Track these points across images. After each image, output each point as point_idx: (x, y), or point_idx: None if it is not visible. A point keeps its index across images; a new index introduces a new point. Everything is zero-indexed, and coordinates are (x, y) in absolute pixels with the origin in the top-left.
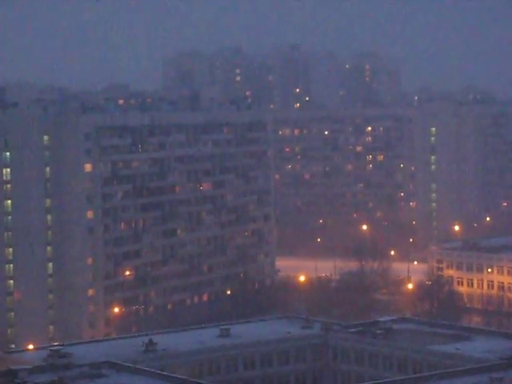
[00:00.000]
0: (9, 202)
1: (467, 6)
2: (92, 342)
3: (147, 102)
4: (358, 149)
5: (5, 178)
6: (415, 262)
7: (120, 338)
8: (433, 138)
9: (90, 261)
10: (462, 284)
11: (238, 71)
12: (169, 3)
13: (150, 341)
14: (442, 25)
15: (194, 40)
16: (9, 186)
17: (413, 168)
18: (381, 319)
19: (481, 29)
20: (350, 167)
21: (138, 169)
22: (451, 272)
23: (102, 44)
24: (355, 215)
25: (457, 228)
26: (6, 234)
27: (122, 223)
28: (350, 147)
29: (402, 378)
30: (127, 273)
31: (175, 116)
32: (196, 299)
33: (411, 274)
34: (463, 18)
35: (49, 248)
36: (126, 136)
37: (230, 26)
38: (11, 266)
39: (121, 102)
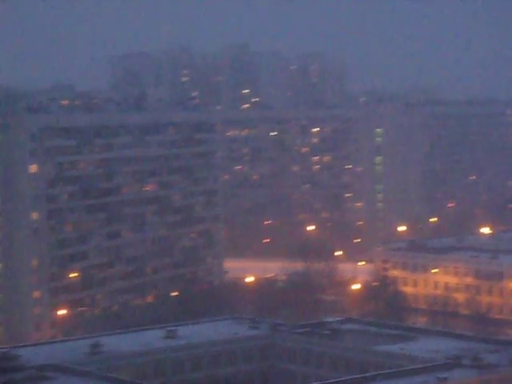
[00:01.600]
0: None
1: (413, 6)
2: (38, 344)
3: (93, 103)
4: (305, 150)
5: None
6: (361, 263)
7: (66, 341)
8: (379, 139)
9: (35, 263)
10: (408, 284)
11: (185, 71)
12: (115, 2)
13: (96, 343)
14: (389, 25)
15: (141, 40)
16: None
17: (359, 169)
18: (327, 320)
19: (427, 29)
20: (296, 168)
21: (84, 170)
22: (397, 272)
23: (47, 44)
24: (302, 216)
25: (403, 229)
26: None
27: (68, 225)
28: (297, 148)
29: (348, 378)
30: (73, 275)
31: (122, 117)
32: (142, 301)
33: (357, 275)
34: (409, 18)
35: None
36: (72, 137)
37: (177, 26)
38: None
39: (67, 102)
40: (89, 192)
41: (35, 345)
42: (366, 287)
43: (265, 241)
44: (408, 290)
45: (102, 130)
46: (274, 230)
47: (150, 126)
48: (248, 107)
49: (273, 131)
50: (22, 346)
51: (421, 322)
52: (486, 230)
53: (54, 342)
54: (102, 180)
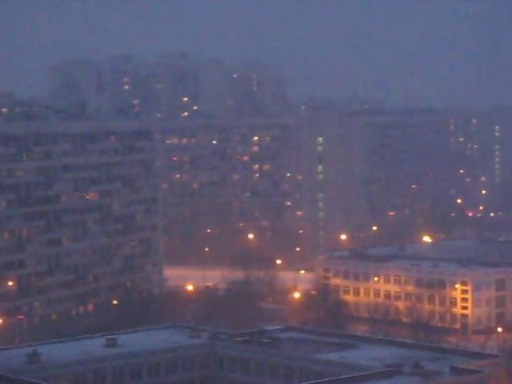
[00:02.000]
0: None
1: (354, 15)
2: None
3: (33, 111)
4: (245, 158)
5: None
6: (302, 271)
7: (3, 349)
8: (320, 148)
9: None
10: (349, 293)
11: (125, 79)
12: (55, 9)
13: (34, 352)
14: (329, 34)
15: (81, 48)
16: None
17: (300, 177)
18: (267, 328)
19: (367, 37)
20: (237, 176)
21: (22, 178)
22: (338, 281)
23: None
24: (242, 224)
25: (344, 237)
26: None
27: (6, 232)
28: (238, 157)
29: None
30: (10, 283)
31: (62, 125)
32: (81, 309)
33: (298, 283)
34: (349, 27)
35: None
36: (10, 144)
37: (118, 34)
38: None
39: (5, 110)
40: (27, 200)
41: None
42: (307, 295)
43: (205, 249)
44: (349, 298)
45: (41, 138)
46: (214, 239)
47: (91, 133)
48: (188, 115)
49: (213, 139)
50: None
51: (362, 330)
52: (426, 239)
53: None
54: (41, 188)
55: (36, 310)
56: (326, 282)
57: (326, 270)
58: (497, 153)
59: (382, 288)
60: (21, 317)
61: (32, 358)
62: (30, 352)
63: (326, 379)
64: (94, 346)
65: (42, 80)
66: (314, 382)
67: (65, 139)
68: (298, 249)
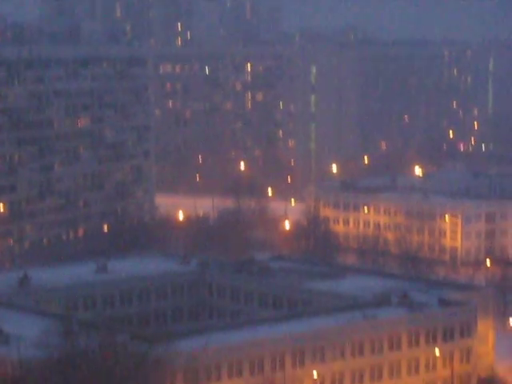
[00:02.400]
0: None
1: None
2: None
3: (25, 35)
4: (238, 87)
5: None
6: (293, 201)
7: None
8: (313, 78)
9: None
10: (339, 223)
11: (118, 6)
12: None
13: (25, 275)
14: None
15: None
16: None
17: (292, 107)
18: (257, 257)
19: None
20: (229, 105)
21: (14, 102)
22: (328, 211)
23: None
24: (234, 153)
25: (335, 168)
26: None
27: None
28: (230, 85)
29: (277, 314)
30: (1, 207)
31: (54, 49)
32: (72, 234)
33: (289, 213)
34: None
35: None
36: (2, 69)
37: None
38: None
39: None
40: (19, 124)
41: None
42: (297, 226)
43: (197, 177)
44: (339, 228)
45: (33, 63)
46: (206, 167)
47: (83, 59)
48: (181, 43)
49: (206, 68)
50: None
51: (351, 260)
52: (418, 170)
53: None
54: (33, 113)
55: (27, 234)
56: (316, 212)
57: (317, 201)
58: (490, 86)
59: (371, 219)
60: (12, 241)
61: (22, 282)
62: (20, 276)
63: (315, 308)
64: (85, 271)
65: (34, 4)
66: (301, 310)
67: (57, 64)
68: (289, 179)
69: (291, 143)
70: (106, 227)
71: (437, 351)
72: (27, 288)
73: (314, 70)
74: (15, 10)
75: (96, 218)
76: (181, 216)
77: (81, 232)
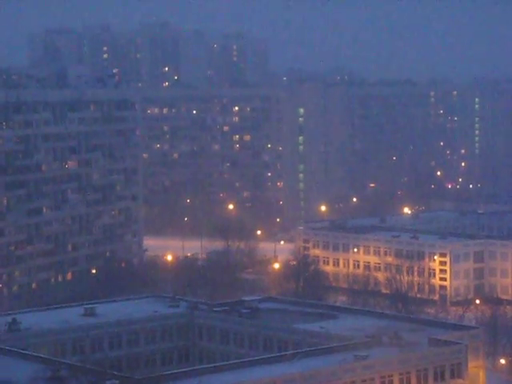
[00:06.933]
0: None
1: None
2: None
3: (13, 79)
4: (226, 129)
5: None
6: (282, 242)
7: None
8: (301, 119)
9: None
10: (328, 263)
11: (105, 49)
12: None
13: (14, 320)
14: (311, 5)
15: (61, 17)
16: None
17: (280, 148)
18: (247, 298)
19: (347, 10)
20: (217, 147)
21: (2, 146)
22: (317, 252)
23: None
24: (222, 195)
25: (324, 208)
26: None
27: None
28: (218, 127)
29: (267, 356)
30: None
31: (42, 93)
32: (61, 278)
33: (278, 254)
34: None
35: None
36: None
37: (97, 3)
38: None
39: None
40: (7, 168)
41: None
42: (287, 266)
43: (185, 219)
44: (329, 269)
45: (21, 106)
46: (194, 209)
47: (71, 102)
48: (168, 85)
49: (193, 110)
50: None
51: (341, 300)
52: (406, 210)
53: None
54: (21, 156)
55: (16, 278)
56: (306, 252)
57: (306, 241)
58: (477, 125)
59: (361, 259)
60: (1, 285)
61: (11, 327)
62: (9, 320)
63: (306, 349)
64: (73, 315)
65: (22, 48)
66: (293, 351)
67: (45, 108)
68: (278, 219)
69: (279, 184)
70: (94, 270)
71: None
72: (16, 332)
73: (301, 110)
74: (3, 55)
75: (84, 261)
76: (169, 258)
77: (69, 276)
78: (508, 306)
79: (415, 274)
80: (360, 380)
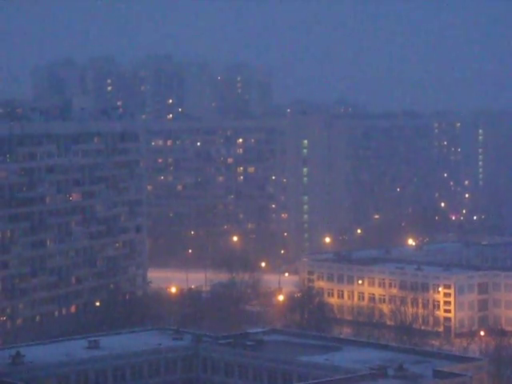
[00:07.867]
0: None
1: (339, 18)
2: None
3: (17, 111)
4: (230, 160)
5: None
6: (286, 274)
7: None
8: (305, 151)
9: None
10: (333, 295)
11: (109, 81)
12: (40, 10)
13: (18, 353)
14: (315, 37)
15: (65, 49)
16: None
17: (284, 180)
18: (251, 331)
19: (352, 42)
20: (221, 179)
21: (6, 179)
22: (322, 283)
23: None
24: (226, 227)
25: (328, 240)
26: None
27: None
28: (222, 159)
29: None
30: None
31: (46, 125)
32: (64, 311)
33: (282, 286)
34: (335, 31)
35: None
36: None
37: (102, 35)
38: None
39: None
40: (11, 201)
41: None
42: (291, 298)
43: (189, 251)
44: (333, 301)
45: (25, 139)
46: (198, 241)
47: (75, 135)
48: (172, 117)
49: (197, 141)
50: None
51: (346, 332)
52: (411, 242)
53: None
54: (25, 189)
55: (19, 311)
56: (310, 284)
57: (310, 273)
58: (480, 157)
59: (366, 291)
60: (5, 318)
61: (15, 360)
62: (13, 353)
63: (310, 382)
64: (77, 347)
65: (26, 81)
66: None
67: (49, 140)
68: (282, 251)
69: (284, 215)
70: (98, 303)
71: None
72: (20, 366)
73: (305, 142)
74: (7, 87)
75: (88, 293)
76: (173, 290)
77: (73, 308)
78: None
79: (420, 305)
80: None
